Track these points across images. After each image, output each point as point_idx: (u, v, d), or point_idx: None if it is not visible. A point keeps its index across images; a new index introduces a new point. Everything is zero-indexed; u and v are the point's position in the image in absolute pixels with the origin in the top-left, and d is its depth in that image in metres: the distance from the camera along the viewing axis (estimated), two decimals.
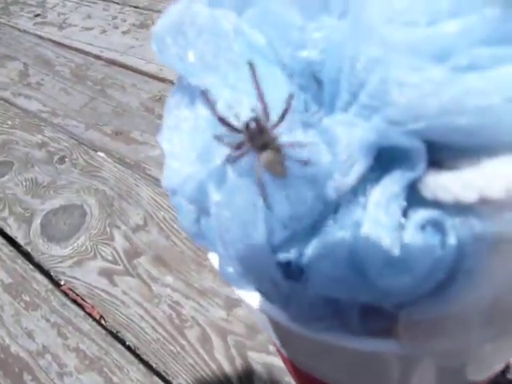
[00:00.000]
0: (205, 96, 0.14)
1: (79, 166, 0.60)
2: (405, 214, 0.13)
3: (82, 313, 0.44)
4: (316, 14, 0.14)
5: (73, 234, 0.51)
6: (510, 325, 0.14)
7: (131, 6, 0.90)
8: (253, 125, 0.14)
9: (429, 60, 0.11)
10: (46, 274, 0.48)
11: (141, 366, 0.39)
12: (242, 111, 0.14)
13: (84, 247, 0.50)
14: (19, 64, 0.83)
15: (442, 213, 0.13)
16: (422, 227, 0.13)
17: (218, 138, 0.14)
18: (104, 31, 0.85)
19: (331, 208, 0.13)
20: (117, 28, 0.85)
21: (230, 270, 0.16)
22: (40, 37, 0.89)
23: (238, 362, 0.38)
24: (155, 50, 0.16)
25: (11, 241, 0.53)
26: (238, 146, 0.14)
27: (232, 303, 0.41)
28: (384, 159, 0.13)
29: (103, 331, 0.42)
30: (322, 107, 0.14)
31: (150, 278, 0.45)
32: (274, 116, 0.14)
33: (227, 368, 0.38)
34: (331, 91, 0.14)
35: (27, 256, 0.51)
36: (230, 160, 0.14)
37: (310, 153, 0.13)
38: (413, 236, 0.13)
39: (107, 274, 0.47)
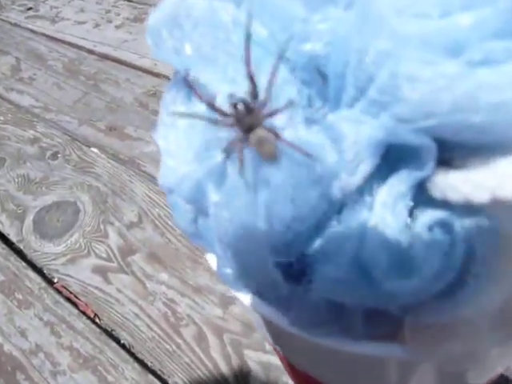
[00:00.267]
0: (188, 81, 0.14)
1: (72, 161, 0.59)
2: (412, 214, 0.13)
3: (75, 311, 0.43)
4: (320, 5, 0.13)
5: (66, 231, 0.51)
6: None
7: None
8: (241, 106, 0.13)
9: (441, 54, 0.11)
10: (38, 271, 0.48)
11: (136, 365, 0.39)
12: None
13: (77, 244, 0.49)
14: (11, 58, 0.81)
15: (451, 213, 0.12)
16: (430, 228, 0.13)
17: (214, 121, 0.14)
18: (97, 25, 0.84)
19: (336, 208, 0.13)
20: (110, 22, 0.84)
21: (229, 271, 0.16)
22: (32, 31, 0.87)
23: (235, 361, 0.37)
24: (150, 44, 0.15)
25: (3, 238, 0.52)
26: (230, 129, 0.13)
27: (228, 301, 0.41)
28: (391, 157, 0.13)
29: (97, 329, 0.42)
30: (327, 103, 0.14)
31: (144, 276, 0.45)
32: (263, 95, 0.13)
33: (223, 366, 0.37)
34: (337, 86, 0.13)
35: (20, 253, 0.50)
36: (228, 151, 0.14)
37: (314, 150, 0.12)
38: (420, 237, 0.12)
39: (101, 271, 0.46)
